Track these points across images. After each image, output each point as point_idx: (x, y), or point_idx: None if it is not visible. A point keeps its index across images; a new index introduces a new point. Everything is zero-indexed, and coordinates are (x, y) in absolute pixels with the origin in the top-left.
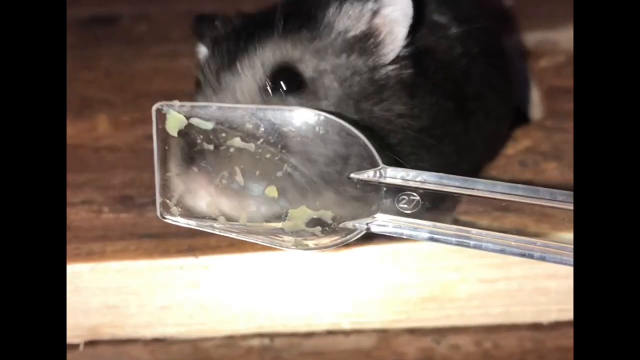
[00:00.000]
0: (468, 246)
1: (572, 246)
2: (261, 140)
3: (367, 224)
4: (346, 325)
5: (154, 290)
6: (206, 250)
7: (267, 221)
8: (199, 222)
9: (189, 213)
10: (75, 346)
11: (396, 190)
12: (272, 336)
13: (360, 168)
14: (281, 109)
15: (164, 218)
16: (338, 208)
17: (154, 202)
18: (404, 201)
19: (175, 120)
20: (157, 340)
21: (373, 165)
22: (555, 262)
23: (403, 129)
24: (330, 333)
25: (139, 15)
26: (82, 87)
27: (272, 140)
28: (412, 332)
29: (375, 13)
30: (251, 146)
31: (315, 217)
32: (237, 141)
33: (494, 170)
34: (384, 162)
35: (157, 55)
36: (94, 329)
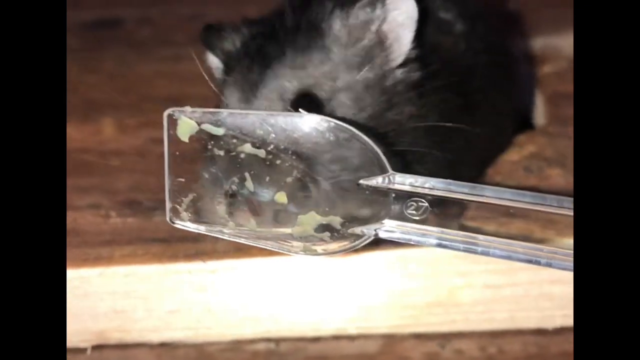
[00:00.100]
0: (476, 252)
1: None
2: (272, 146)
3: (375, 229)
4: (352, 330)
5: (161, 295)
6: (214, 255)
7: (276, 227)
8: (208, 228)
9: (198, 218)
10: (82, 350)
11: (405, 197)
12: (277, 341)
13: (369, 174)
14: (292, 115)
15: (174, 223)
16: (347, 214)
17: (161, 207)
18: (412, 207)
19: (186, 126)
20: (163, 345)
21: (382, 171)
22: (561, 268)
23: (414, 130)
24: (336, 338)
25: (142, 19)
26: (87, 90)
27: (282, 147)
28: (418, 337)
29: (382, 20)
30: (262, 152)
31: (324, 223)
32: (247, 147)
33: (498, 176)
34: (393, 168)
35: (160, 58)
36: (101, 334)
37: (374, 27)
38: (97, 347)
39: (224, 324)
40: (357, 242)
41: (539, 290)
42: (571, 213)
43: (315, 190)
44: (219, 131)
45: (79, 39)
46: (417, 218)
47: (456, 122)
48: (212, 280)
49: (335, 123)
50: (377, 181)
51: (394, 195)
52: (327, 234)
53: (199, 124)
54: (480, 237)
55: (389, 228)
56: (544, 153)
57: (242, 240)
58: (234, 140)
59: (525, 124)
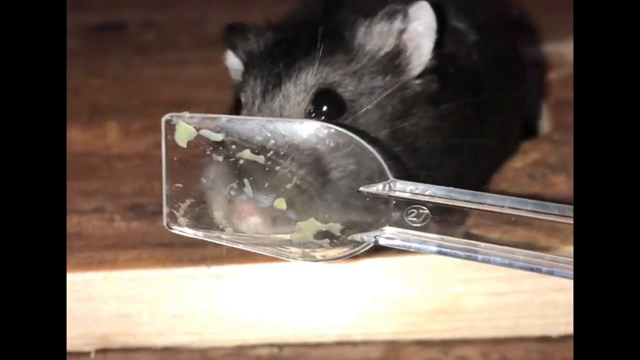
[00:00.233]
0: (476, 260)
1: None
2: (271, 152)
3: (375, 236)
4: (356, 336)
5: (165, 300)
6: (218, 260)
7: (275, 233)
8: (206, 233)
9: (196, 224)
10: (86, 354)
11: (405, 204)
12: (281, 346)
13: (370, 181)
14: (291, 122)
15: (171, 228)
16: (347, 221)
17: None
18: (412, 214)
19: (184, 131)
20: (167, 349)
21: (382, 178)
22: (563, 276)
23: (429, 142)
24: (339, 344)
25: (146, 23)
26: (91, 94)
27: (282, 153)
28: (420, 343)
29: (403, 30)
30: (261, 158)
31: (323, 229)
32: (246, 153)
33: (503, 183)
34: (394, 176)
35: (165, 62)
36: (106, 337)
37: (395, 37)
38: (101, 351)
39: (227, 329)
40: (356, 249)
41: (543, 298)
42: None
43: (315, 197)
44: (218, 137)
45: (83, 43)
46: (417, 225)
47: (467, 133)
48: (216, 285)
49: (335, 129)
50: (378, 188)
51: (394, 202)
52: (327, 240)
53: (197, 130)
54: (481, 244)
55: (389, 235)
56: (548, 160)
57: (239, 246)
58: (233, 146)
59: (529, 131)
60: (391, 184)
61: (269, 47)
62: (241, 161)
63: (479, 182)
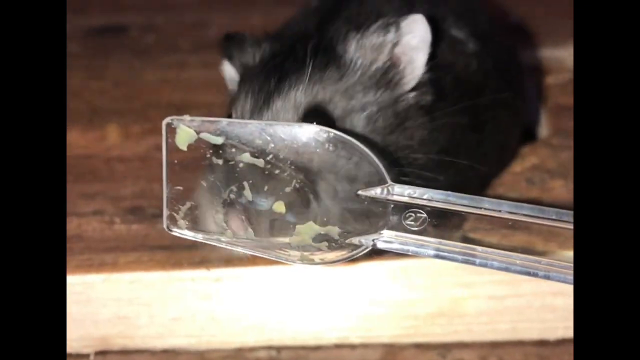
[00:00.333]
0: (474, 264)
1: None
2: (270, 156)
3: (373, 240)
4: (354, 339)
5: (165, 302)
6: (218, 263)
7: (274, 236)
8: (206, 236)
9: (196, 226)
10: (85, 356)
11: (403, 207)
12: (279, 349)
13: (368, 185)
14: (291, 125)
15: (171, 231)
16: (345, 224)
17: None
18: (410, 218)
19: (185, 135)
20: (166, 352)
21: (381, 182)
22: (559, 280)
23: (425, 154)
24: (338, 347)
25: (146, 26)
26: (92, 97)
27: (281, 156)
28: (418, 346)
29: (395, 44)
30: (260, 162)
31: (322, 232)
32: (246, 156)
33: (501, 187)
34: (392, 180)
35: (165, 65)
36: (105, 340)
37: (387, 50)
38: (100, 353)
39: (226, 332)
40: (354, 252)
41: (541, 302)
42: (570, 226)
43: (314, 201)
44: (218, 140)
45: (84, 46)
46: (415, 229)
47: (464, 142)
48: (216, 288)
49: (334, 133)
50: (376, 192)
51: (392, 206)
52: (325, 243)
53: (197, 133)
54: (479, 248)
55: (387, 238)
56: (546, 165)
57: (239, 249)
58: (233, 150)
59: (528, 135)
60: (389, 188)
61: (263, 60)
62: (241, 164)
63: (476, 189)
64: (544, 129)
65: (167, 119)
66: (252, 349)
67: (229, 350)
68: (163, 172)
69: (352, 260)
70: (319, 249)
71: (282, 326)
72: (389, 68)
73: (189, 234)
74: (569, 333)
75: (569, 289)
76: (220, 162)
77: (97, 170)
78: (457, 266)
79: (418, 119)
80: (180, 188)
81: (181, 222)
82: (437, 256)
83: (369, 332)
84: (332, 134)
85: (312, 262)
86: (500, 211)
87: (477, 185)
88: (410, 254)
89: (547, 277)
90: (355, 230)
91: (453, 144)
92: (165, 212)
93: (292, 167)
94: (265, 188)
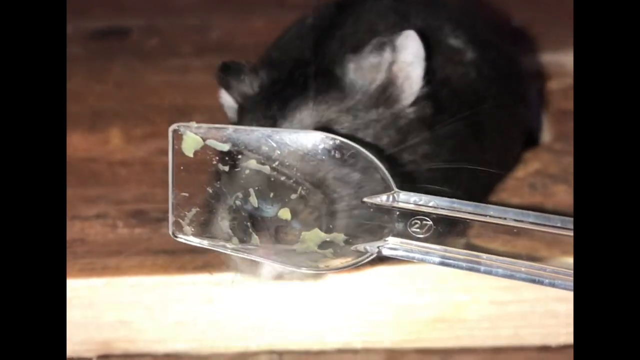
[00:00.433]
0: (479, 271)
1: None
2: (276, 162)
3: (378, 247)
4: (357, 344)
5: (167, 306)
6: (221, 267)
7: (279, 243)
8: (211, 242)
9: (201, 232)
10: None
11: (409, 215)
12: (281, 353)
13: (374, 192)
14: (297, 132)
15: (176, 237)
16: (350, 231)
17: (167, 218)
18: (416, 225)
19: (191, 141)
20: (168, 356)
21: (386, 189)
22: (565, 288)
23: (429, 168)
24: (340, 351)
25: (149, 29)
26: (94, 100)
27: (287, 163)
28: (420, 352)
29: (392, 61)
30: (266, 168)
31: (327, 240)
32: (252, 163)
33: (504, 193)
34: (397, 187)
35: (167, 68)
36: (107, 344)
37: (384, 69)
38: (102, 357)
39: (228, 336)
40: (360, 259)
41: (544, 308)
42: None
43: (320, 207)
44: (224, 147)
45: (86, 48)
46: (420, 236)
47: (466, 153)
48: (218, 292)
49: (340, 140)
50: (382, 199)
51: (398, 213)
52: (331, 250)
53: (204, 140)
54: (484, 255)
55: (392, 245)
56: (548, 170)
57: (244, 255)
58: (239, 156)
59: (530, 140)
60: (395, 195)
61: (262, 88)
62: (247, 171)
63: (480, 195)
64: (546, 134)
65: (174, 126)
66: (254, 354)
67: (231, 355)
68: (169, 178)
69: (357, 267)
70: (324, 256)
71: (284, 330)
72: (388, 85)
73: (194, 240)
74: (571, 339)
75: (571, 295)
76: (226, 168)
77: (99, 174)
78: (459, 271)
79: (420, 134)
80: (186, 194)
81: (187, 229)
82: (442, 263)
83: (371, 337)
84: (337, 141)
85: (317, 268)
86: (505, 218)
87: (481, 192)
88: (415, 261)
89: (552, 285)
90: (360, 237)
91: (456, 155)
92: (171, 219)
93: (298, 173)
94: (271, 195)
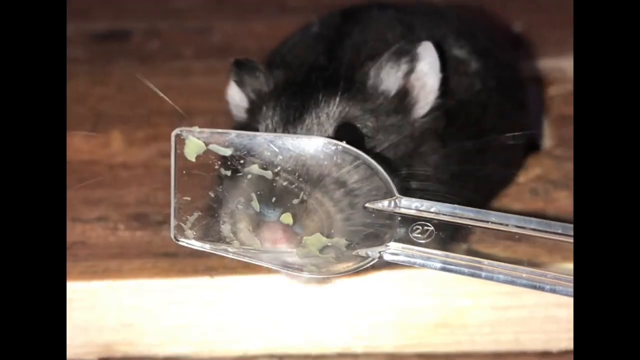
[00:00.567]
0: (480, 277)
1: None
2: (279, 167)
3: (380, 252)
4: (357, 348)
5: (168, 309)
6: (222, 271)
7: (281, 247)
8: (213, 246)
9: (203, 236)
10: None
11: (410, 220)
12: (282, 357)
13: (376, 197)
14: (299, 138)
15: (178, 241)
16: (352, 236)
17: (168, 221)
18: (417, 231)
19: (194, 146)
20: (168, 359)
21: (388, 194)
22: (566, 294)
23: (438, 180)
24: (341, 356)
25: (150, 32)
26: (95, 102)
27: (289, 168)
28: (421, 356)
29: (409, 70)
30: (269, 173)
31: (329, 244)
32: (254, 168)
33: (505, 198)
34: (399, 193)
35: (169, 71)
36: (108, 346)
37: (403, 77)
38: None
39: (229, 340)
40: (361, 264)
41: (545, 313)
42: None
43: (321, 212)
44: (227, 152)
45: (87, 51)
46: (422, 241)
47: (472, 164)
48: (219, 295)
49: (342, 146)
50: (383, 204)
51: (399, 218)
52: (332, 255)
53: (206, 144)
54: (485, 261)
55: (393, 251)
56: (550, 175)
57: (246, 259)
58: (241, 161)
59: (532, 146)
60: (397, 201)
61: (280, 85)
62: (249, 176)
63: (482, 202)
64: (547, 140)
65: (177, 130)
66: (255, 357)
67: (232, 358)
68: (171, 182)
69: (358, 271)
70: (326, 261)
71: (285, 335)
72: (405, 94)
73: (196, 244)
74: (572, 344)
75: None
76: (228, 173)
77: (101, 176)
78: (461, 277)
79: (432, 144)
80: (188, 198)
81: (188, 232)
82: (443, 269)
83: (372, 341)
84: (339, 147)
85: (318, 273)
86: (507, 225)
87: (483, 199)
88: (416, 266)
89: (553, 291)
90: (362, 242)
91: (462, 169)
92: (173, 223)
93: (300, 179)
94: (273, 199)
